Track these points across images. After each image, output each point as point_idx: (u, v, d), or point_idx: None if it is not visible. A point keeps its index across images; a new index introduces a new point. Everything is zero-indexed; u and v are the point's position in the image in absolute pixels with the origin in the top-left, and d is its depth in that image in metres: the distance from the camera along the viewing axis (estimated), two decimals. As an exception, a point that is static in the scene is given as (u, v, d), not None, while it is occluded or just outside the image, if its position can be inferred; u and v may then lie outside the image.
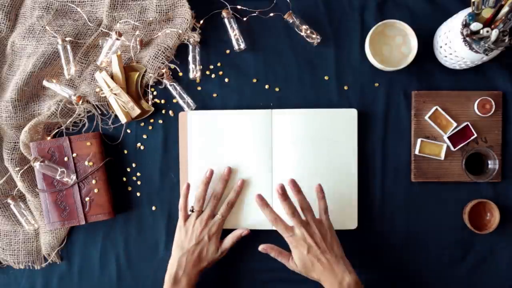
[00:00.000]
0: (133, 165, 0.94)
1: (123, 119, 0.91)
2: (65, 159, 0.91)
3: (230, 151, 0.91)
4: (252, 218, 0.91)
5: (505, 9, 0.75)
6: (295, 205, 0.83)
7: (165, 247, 0.93)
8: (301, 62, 0.93)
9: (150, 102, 0.93)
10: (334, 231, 0.84)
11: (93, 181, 0.90)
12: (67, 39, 0.91)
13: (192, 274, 0.84)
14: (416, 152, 0.90)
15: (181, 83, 0.93)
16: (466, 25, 0.78)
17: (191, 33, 0.92)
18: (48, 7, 0.93)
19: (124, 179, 0.94)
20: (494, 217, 0.89)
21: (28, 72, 0.90)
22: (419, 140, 0.90)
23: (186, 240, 0.86)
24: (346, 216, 0.90)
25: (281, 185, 0.81)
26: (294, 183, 0.83)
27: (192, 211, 0.88)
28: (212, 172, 0.90)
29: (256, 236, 0.92)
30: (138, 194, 0.94)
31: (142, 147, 0.94)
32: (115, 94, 0.90)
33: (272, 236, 0.92)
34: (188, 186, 0.89)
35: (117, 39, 0.89)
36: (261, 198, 0.83)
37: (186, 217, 0.88)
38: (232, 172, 0.91)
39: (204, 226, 0.86)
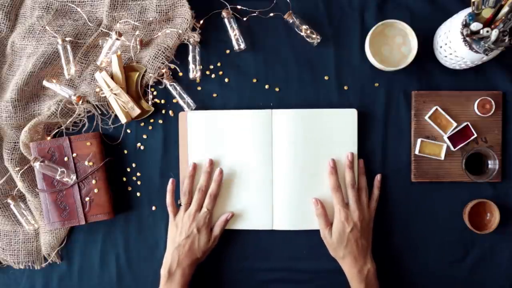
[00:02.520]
0: (133, 165, 0.94)
1: (123, 119, 0.91)
2: (65, 159, 0.91)
3: (230, 151, 0.91)
4: (254, 218, 0.91)
5: (505, 9, 0.75)
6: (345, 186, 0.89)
7: (165, 247, 0.92)
8: (301, 62, 0.93)
9: (150, 102, 0.93)
10: None
11: (93, 181, 0.90)
12: (67, 39, 0.91)
13: (186, 266, 0.86)
14: (416, 152, 0.90)
15: (181, 83, 0.93)
16: (466, 25, 0.78)
17: (191, 33, 0.92)
18: (48, 7, 0.93)
19: (124, 179, 0.94)
20: (494, 217, 0.89)
21: (28, 72, 0.90)
22: (419, 140, 0.90)
23: (177, 234, 0.88)
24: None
25: (351, 153, 0.89)
26: (362, 165, 0.90)
27: (180, 205, 0.90)
28: (195, 166, 0.91)
29: (256, 236, 0.92)
30: (138, 194, 0.94)
31: (142, 147, 0.94)
32: (115, 94, 0.90)
33: (270, 236, 0.92)
34: (173, 182, 0.91)
35: (117, 39, 0.89)
36: (333, 164, 0.89)
37: (175, 212, 0.90)
38: (232, 172, 0.91)
39: (192, 220, 0.88)
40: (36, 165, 0.87)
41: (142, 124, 0.94)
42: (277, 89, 0.93)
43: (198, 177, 0.91)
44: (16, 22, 0.95)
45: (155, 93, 0.94)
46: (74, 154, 0.91)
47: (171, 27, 0.92)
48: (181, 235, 0.87)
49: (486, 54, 0.78)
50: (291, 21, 0.91)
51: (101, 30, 0.94)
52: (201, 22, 0.93)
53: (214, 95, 0.94)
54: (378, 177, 0.91)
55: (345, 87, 0.92)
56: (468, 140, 0.90)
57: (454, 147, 0.90)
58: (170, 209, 0.90)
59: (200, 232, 0.87)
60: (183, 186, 0.90)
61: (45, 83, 0.92)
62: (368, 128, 0.92)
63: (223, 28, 0.93)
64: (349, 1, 0.93)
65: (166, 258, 0.88)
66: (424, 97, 0.91)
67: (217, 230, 0.89)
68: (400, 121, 0.92)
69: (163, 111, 0.94)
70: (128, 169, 0.94)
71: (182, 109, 0.93)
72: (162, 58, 0.91)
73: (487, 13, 0.77)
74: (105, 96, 0.90)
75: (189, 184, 0.90)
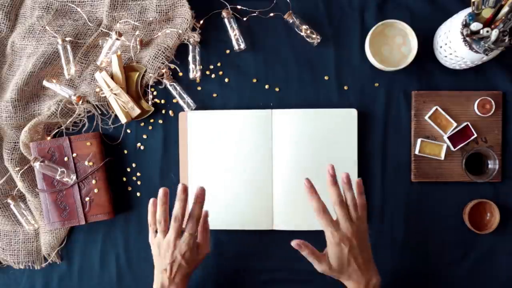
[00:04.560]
0: (133, 165, 0.94)
1: (123, 119, 0.91)
2: (65, 159, 0.91)
3: (230, 151, 0.91)
4: (254, 218, 0.91)
5: (505, 9, 0.75)
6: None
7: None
8: (301, 62, 0.93)
9: (150, 102, 0.93)
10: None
11: (93, 181, 0.90)
12: (67, 39, 0.91)
13: (179, 281, 0.81)
14: (416, 152, 0.90)
15: (181, 83, 0.93)
16: (466, 25, 0.78)
17: (191, 33, 0.92)
18: (48, 7, 0.93)
19: (124, 179, 0.94)
20: (494, 217, 0.89)
21: (28, 72, 0.90)
22: (419, 140, 0.90)
23: (160, 259, 0.81)
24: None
25: (331, 166, 0.79)
26: (348, 178, 0.79)
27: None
28: (166, 191, 0.81)
29: (256, 236, 0.92)
30: (138, 194, 0.94)
31: (142, 147, 0.94)
32: (115, 94, 0.90)
33: (270, 236, 0.92)
34: (155, 202, 0.83)
35: (117, 39, 0.89)
36: (309, 185, 0.79)
37: (155, 234, 0.82)
38: (232, 172, 0.91)
39: (173, 247, 0.79)
40: (36, 165, 0.87)
41: (142, 124, 0.94)
42: (277, 89, 0.93)
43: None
44: (16, 22, 0.95)
45: (155, 93, 0.94)
46: (74, 154, 0.91)
47: (171, 27, 0.92)
48: (165, 259, 0.80)
49: (486, 54, 0.78)
50: (291, 21, 0.91)
51: (101, 30, 0.94)
52: (201, 22, 0.93)
53: (214, 95, 0.94)
54: (359, 181, 0.81)
55: (345, 87, 0.92)
56: (468, 140, 0.90)
57: (454, 147, 0.90)
58: (150, 229, 0.83)
59: (185, 257, 0.80)
60: (158, 213, 0.81)
61: (45, 83, 0.92)
62: (368, 128, 0.92)
63: (223, 28, 0.93)
64: (349, 1, 0.93)
65: (157, 277, 0.82)
66: (424, 97, 0.91)
67: (203, 238, 0.84)
68: (400, 121, 0.92)
69: (163, 111, 0.94)
70: (128, 169, 0.94)
71: (182, 109, 0.93)
72: (162, 58, 0.91)
73: (487, 13, 0.77)
74: (105, 96, 0.90)
75: (164, 211, 0.80)
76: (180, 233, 0.80)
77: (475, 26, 0.77)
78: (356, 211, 0.79)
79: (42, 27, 0.92)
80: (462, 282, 0.91)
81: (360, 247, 0.78)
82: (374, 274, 0.79)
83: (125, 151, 0.94)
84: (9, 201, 0.92)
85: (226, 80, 0.93)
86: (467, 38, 0.78)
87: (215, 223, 0.92)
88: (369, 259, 0.80)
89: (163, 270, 0.81)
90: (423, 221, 0.92)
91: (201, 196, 0.81)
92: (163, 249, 0.80)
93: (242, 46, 0.92)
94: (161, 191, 0.81)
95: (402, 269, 0.92)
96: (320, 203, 0.78)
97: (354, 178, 0.90)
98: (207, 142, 0.92)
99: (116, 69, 0.90)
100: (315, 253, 0.79)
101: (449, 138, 0.90)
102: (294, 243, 0.79)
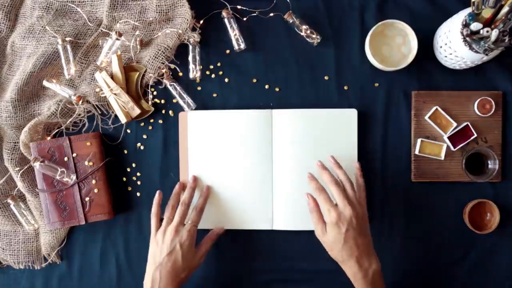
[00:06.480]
0: (133, 165, 0.94)
1: (123, 119, 0.91)
2: (65, 159, 0.91)
3: (230, 151, 0.91)
4: (254, 218, 0.91)
5: (505, 9, 0.75)
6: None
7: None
8: (301, 62, 0.93)
9: (150, 102, 0.93)
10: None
11: (93, 181, 0.90)
12: (67, 39, 0.91)
13: (170, 281, 0.80)
14: (416, 152, 0.90)
15: (181, 83, 0.93)
16: (466, 25, 0.78)
17: (191, 33, 0.92)
18: (48, 7, 0.93)
19: (124, 179, 0.94)
20: (494, 217, 0.89)
21: (28, 72, 0.90)
22: (419, 140, 0.90)
23: (158, 251, 0.82)
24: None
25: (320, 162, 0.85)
26: (334, 159, 0.85)
27: (162, 219, 0.86)
28: (181, 185, 0.90)
29: (256, 236, 0.92)
30: (138, 194, 0.94)
31: (142, 147, 0.94)
32: (115, 94, 0.90)
33: (270, 236, 0.92)
34: (160, 194, 0.89)
35: (117, 39, 0.89)
36: (311, 176, 0.84)
37: (158, 226, 0.85)
38: (232, 172, 0.91)
39: (175, 234, 0.82)
40: (36, 165, 0.87)
41: (142, 124, 0.94)
42: (277, 89, 0.93)
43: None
44: (16, 22, 0.95)
45: (155, 93, 0.94)
46: (74, 154, 0.91)
47: (171, 27, 0.92)
48: (162, 252, 0.81)
49: (486, 54, 0.78)
50: (291, 21, 0.91)
51: (101, 30, 0.94)
52: (201, 22, 0.93)
53: (214, 95, 0.94)
54: (356, 164, 0.86)
55: (345, 87, 0.92)
56: (468, 140, 0.90)
57: (454, 147, 0.90)
58: (153, 221, 0.85)
59: (183, 248, 0.81)
60: (168, 202, 0.87)
61: (45, 83, 0.92)
62: (368, 128, 0.92)
63: (223, 28, 0.93)
64: (349, 1, 0.93)
65: (146, 281, 0.82)
66: (424, 97, 0.91)
67: (204, 246, 0.85)
68: (400, 121, 0.92)
69: (163, 111, 0.94)
70: (128, 169, 0.94)
71: (182, 109, 0.93)
72: (162, 58, 0.91)
73: (487, 13, 0.77)
74: (105, 96, 0.90)
75: (175, 200, 0.88)
76: (184, 221, 0.85)
77: (475, 26, 0.77)
78: (353, 190, 0.80)
79: (42, 27, 0.92)
80: (462, 282, 0.91)
81: (358, 230, 0.77)
82: (374, 260, 0.78)
83: (125, 151, 0.94)
84: (9, 201, 0.92)
85: (226, 80, 0.93)
86: (467, 38, 0.78)
87: (215, 223, 0.92)
88: (368, 244, 0.79)
89: (156, 269, 0.81)
90: (423, 221, 0.92)
91: (207, 192, 0.90)
92: (165, 237, 0.82)
93: (242, 46, 0.92)
94: (178, 185, 0.90)
95: (402, 269, 0.92)
96: (318, 184, 0.82)
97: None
98: (207, 142, 0.92)
99: (116, 69, 0.90)
100: (319, 212, 0.80)
101: (449, 138, 0.90)
102: (306, 194, 0.83)
